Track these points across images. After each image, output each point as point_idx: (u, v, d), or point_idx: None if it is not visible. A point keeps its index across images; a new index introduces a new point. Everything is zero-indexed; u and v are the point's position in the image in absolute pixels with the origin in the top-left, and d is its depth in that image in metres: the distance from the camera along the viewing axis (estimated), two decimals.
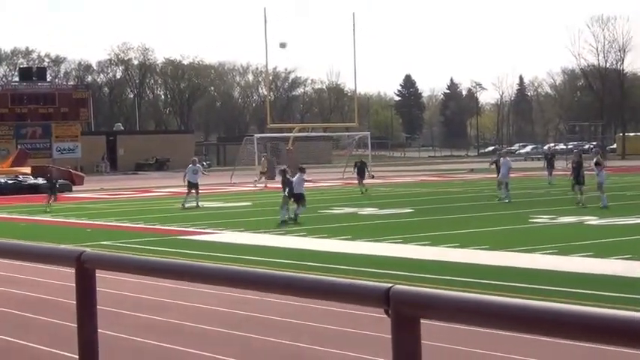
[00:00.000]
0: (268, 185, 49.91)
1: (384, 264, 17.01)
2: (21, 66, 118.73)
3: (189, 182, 35.19)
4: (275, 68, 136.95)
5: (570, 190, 31.71)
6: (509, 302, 2.54)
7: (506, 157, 36.02)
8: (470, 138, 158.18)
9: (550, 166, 47.02)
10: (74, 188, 50.86)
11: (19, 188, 47.93)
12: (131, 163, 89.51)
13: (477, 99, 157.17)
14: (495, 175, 36.12)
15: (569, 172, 32.50)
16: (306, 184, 30.13)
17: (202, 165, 46.97)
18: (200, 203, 34.78)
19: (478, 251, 18.71)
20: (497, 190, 34.76)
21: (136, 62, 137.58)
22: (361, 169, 42.02)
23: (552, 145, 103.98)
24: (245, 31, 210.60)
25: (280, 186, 30.11)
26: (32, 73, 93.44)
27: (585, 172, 31.41)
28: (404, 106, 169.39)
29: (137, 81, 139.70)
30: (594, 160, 31.13)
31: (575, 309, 2.39)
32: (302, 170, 29.43)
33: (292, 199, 27.94)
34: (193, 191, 35.03)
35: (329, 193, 42.92)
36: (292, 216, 27.40)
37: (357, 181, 42.60)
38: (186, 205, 34.13)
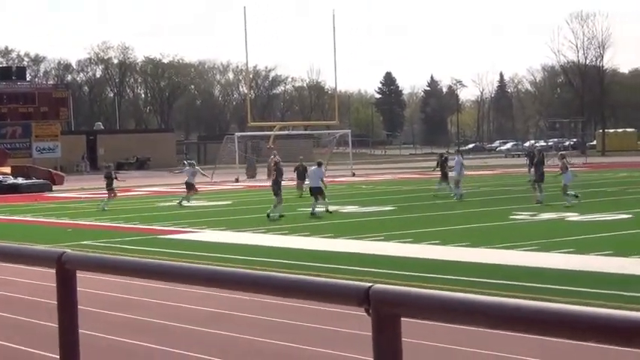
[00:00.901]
0: (250, 184, 49.80)
1: (366, 262, 17.02)
2: (0, 65, 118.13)
3: (187, 183, 36.15)
4: (255, 66, 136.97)
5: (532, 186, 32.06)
6: (490, 300, 2.55)
7: (459, 155, 36.28)
8: (450, 135, 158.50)
9: (532, 164, 47.20)
10: (54, 188, 50.65)
11: None
12: (111, 163, 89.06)
13: (457, 96, 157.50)
14: (439, 174, 36.69)
15: (530, 169, 32.91)
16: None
17: (183, 164, 46.91)
18: (184, 202, 34.90)
19: (459, 248, 18.76)
20: (455, 188, 34.57)
21: (115, 61, 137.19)
22: (301, 173, 40.01)
23: (534, 142, 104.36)
24: (225, 30, 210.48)
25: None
26: (12, 72, 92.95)
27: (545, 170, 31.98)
28: (384, 103, 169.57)
29: (117, 80, 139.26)
30: (559, 164, 31.31)
31: (555, 307, 2.40)
32: (319, 164, 29.83)
33: (310, 194, 28.83)
34: (198, 189, 36.46)
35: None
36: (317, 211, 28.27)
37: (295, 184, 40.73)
38: (185, 204, 34.83)
